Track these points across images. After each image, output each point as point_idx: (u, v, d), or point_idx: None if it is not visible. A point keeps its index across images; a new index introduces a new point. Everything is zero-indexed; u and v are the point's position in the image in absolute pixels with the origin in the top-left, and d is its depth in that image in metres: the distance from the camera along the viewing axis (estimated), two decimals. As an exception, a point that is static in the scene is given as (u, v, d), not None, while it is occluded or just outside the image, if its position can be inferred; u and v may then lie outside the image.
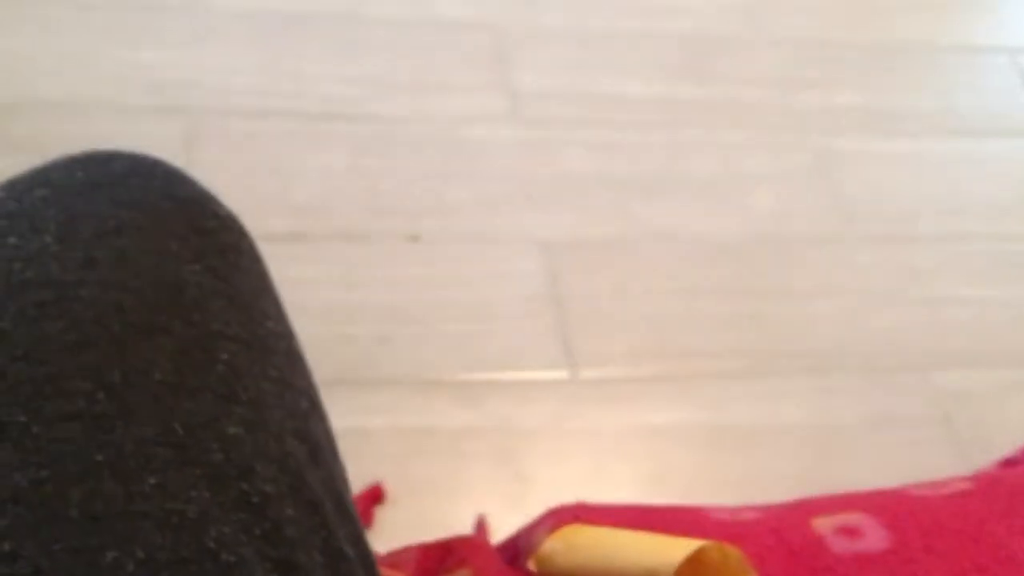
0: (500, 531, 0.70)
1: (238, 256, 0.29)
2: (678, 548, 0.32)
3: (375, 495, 0.69)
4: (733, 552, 0.32)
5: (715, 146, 0.95)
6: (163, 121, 0.84)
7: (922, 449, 0.80)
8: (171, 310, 0.25)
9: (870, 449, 0.79)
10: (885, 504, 0.39)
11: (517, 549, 0.40)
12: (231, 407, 0.24)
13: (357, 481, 0.42)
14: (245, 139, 0.85)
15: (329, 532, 0.24)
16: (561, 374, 0.79)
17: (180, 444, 0.22)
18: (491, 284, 0.82)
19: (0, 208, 0.26)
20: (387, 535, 0.66)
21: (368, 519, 0.68)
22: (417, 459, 0.72)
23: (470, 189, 0.87)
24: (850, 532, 0.37)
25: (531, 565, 0.38)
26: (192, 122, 0.84)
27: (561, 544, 0.37)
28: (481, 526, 0.68)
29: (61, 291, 0.24)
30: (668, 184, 0.91)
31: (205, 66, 0.88)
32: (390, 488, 0.70)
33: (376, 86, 0.91)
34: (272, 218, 0.81)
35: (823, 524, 0.38)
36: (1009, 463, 0.65)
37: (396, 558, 0.41)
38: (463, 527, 0.68)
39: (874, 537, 0.36)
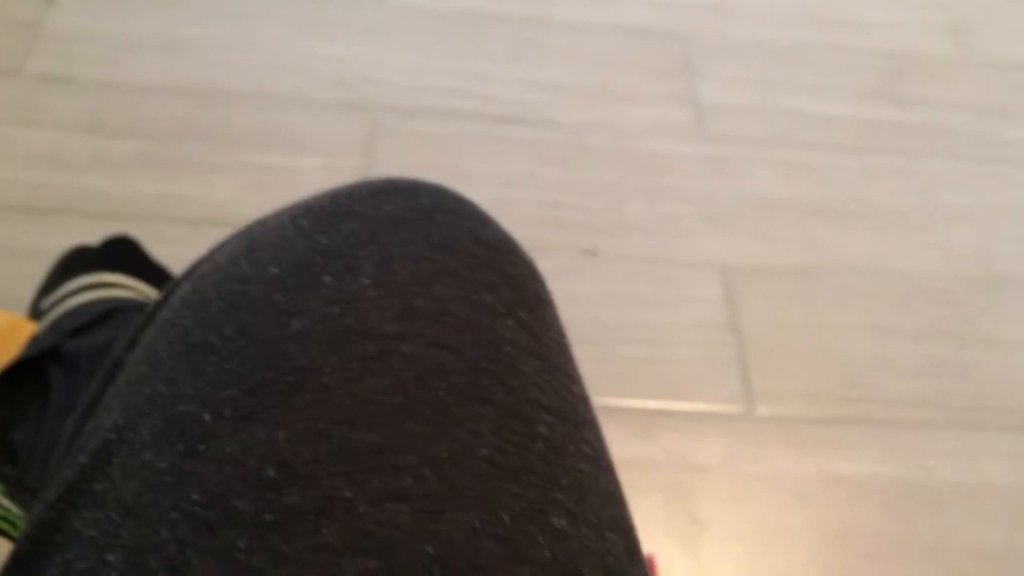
0: (672, 573, 0.66)
1: (544, 309, 0.26)
2: None
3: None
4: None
5: (914, 175, 0.88)
6: (346, 117, 0.83)
7: None
8: (491, 373, 0.22)
9: (1082, 523, 0.71)
10: None
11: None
12: (554, 494, 0.21)
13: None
14: (425, 140, 0.83)
15: None
16: (737, 408, 0.74)
17: (507, 537, 0.19)
18: (668, 308, 0.78)
19: (311, 241, 0.24)
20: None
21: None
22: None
23: (650, 205, 0.82)
24: None
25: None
26: (374, 119, 0.83)
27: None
28: (652, 565, 0.64)
29: (382, 344, 0.22)
30: (861, 213, 0.85)
31: (390, 62, 0.87)
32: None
33: (560, 92, 0.88)
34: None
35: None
36: None
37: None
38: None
39: None
